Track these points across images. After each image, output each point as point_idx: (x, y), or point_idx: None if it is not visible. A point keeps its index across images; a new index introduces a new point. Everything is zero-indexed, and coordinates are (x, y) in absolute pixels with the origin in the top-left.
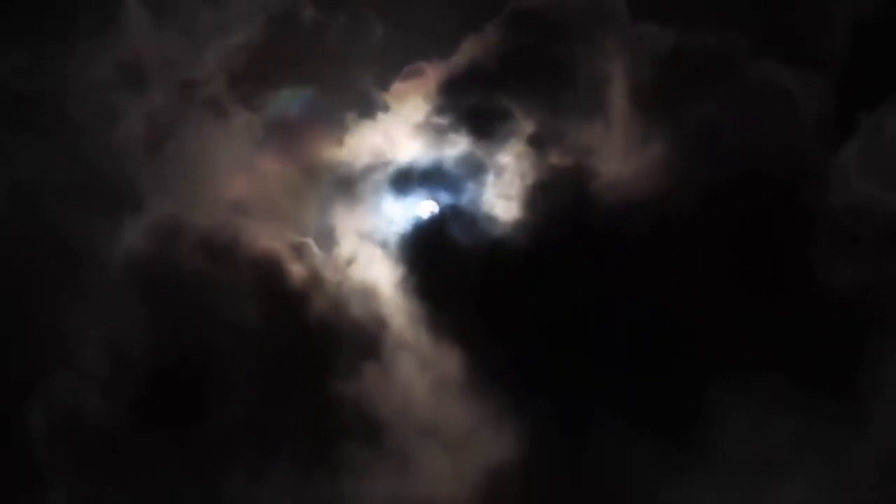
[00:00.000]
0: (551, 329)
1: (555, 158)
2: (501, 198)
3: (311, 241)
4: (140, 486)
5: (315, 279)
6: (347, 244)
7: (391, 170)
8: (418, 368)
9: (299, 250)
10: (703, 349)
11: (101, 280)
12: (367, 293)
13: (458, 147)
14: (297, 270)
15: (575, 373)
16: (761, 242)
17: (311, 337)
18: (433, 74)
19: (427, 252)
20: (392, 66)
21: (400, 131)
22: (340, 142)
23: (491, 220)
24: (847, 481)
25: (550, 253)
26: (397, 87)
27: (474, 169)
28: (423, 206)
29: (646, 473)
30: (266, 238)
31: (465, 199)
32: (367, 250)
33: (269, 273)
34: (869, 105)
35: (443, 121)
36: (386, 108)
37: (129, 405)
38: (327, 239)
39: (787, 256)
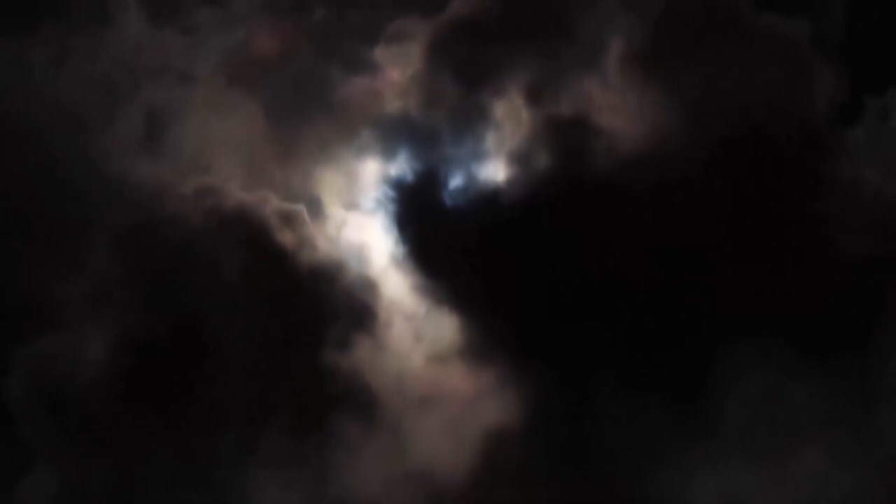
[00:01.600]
0: (552, 292)
1: (553, 112)
2: (498, 155)
3: (302, 208)
4: (127, 459)
5: (306, 247)
6: (338, 210)
7: (383, 130)
8: (413, 337)
9: (290, 218)
10: (712, 314)
11: (89, 247)
12: (360, 259)
13: (451, 103)
14: (288, 239)
15: (577, 338)
16: (773, 203)
17: (302, 306)
18: (424, 29)
19: (420, 214)
20: (383, 21)
21: (391, 89)
22: (330, 104)
23: (487, 178)
24: (864, 453)
25: (550, 212)
26: (388, 44)
27: (469, 125)
28: (416, 167)
29: (651, 444)
30: (256, 205)
31: (459, 158)
32: (358, 215)
33: (259, 242)
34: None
35: (435, 76)
36: (376, 67)
37: (117, 376)
38: (318, 205)
39: (798, 218)
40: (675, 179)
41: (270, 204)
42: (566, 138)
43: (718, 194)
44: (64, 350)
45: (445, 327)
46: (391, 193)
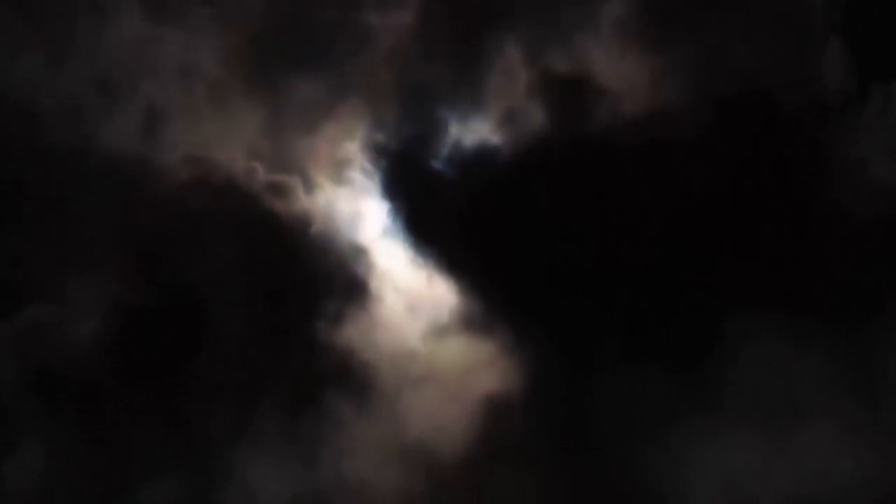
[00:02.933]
0: (551, 260)
1: (551, 71)
2: (494, 117)
3: (292, 179)
4: (116, 436)
5: (298, 218)
6: (330, 180)
7: (374, 96)
8: (409, 309)
9: (280, 189)
10: (716, 283)
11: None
12: (353, 231)
13: (446, 66)
14: (279, 210)
15: (577, 307)
16: (778, 168)
17: (295, 279)
18: None
19: (413, 182)
20: None
21: (382, 55)
22: (319, 71)
23: (482, 142)
24: (873, 424)
25: (549, 176)
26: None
27: (464, 88)
28: (408, 133)
29: (653, 415)
30: (244, 176)
31: (453, 122)
32: (350, 185)
33: (249, 214)
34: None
35: (429, 38)
36: (367, 33)
37: (105, 351)
38: (309, 176)
39: (804, 184)
40: (677, 142)
41: (259, 175)
42: (565, 99)
43: (722, 159)
44: (51, 323)
45: (442, 298)
46: (383, 162)
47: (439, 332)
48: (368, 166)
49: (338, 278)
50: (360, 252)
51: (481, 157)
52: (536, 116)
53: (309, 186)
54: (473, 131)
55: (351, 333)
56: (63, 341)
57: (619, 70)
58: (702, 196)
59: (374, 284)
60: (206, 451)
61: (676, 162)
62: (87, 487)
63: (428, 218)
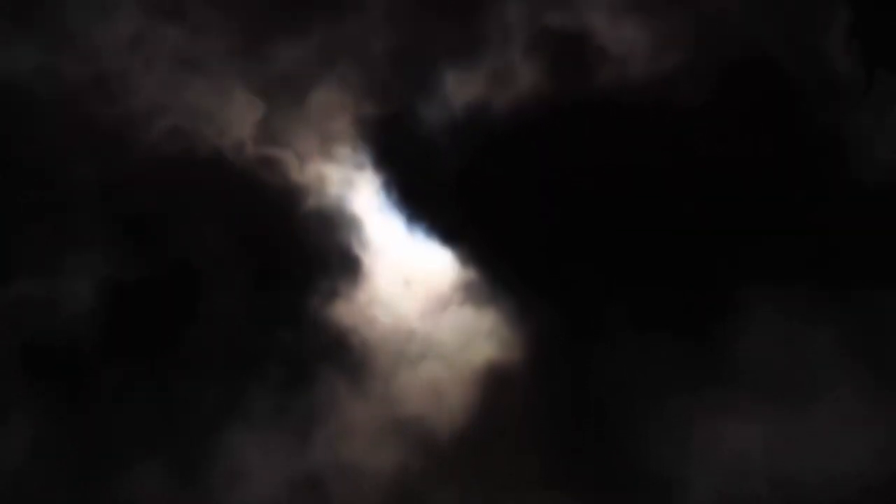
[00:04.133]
0: (554, 224)
1: (551, 28)
2: (489, 77)
3: (281, 153)
4: (105, 412)
5: (288, 192)
6: (320, 153)
7: (363, 63)
8: (405, 281)
9: (269, 163)
10: (725, 249)
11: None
12: (345, 204)
13: (437, 25)
14: (268, 184)
15: (581, 274)
16: (788, 131)
17: (287, 253)
18: None
19: (405, 150)
20: None
21: (372, 15)
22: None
23: (477, 102)
24: (893, 395)
25: (549, 137)
26: None
27: (459, 47)
28: (398, 99)
29: (662, 386)
30: (233, 148)
31: (447, 84)
32: (342, 156)
33: (238, 188)
34: None
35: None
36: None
37: (94, 324)
38: (299, 149)
39: (815, 148)
40: (681, 106)
41: (249, 149)
42: (565, 60)
43: (731, 122)
44: (38, 297)
45: (440, 270)
46: (374, 132)
47: (438, 304)
48: (360, 137)
49: (331, 253)
50: (354, 226)
51: (478, 123)
52: (535, 78)
53: (300, 160)
54: (469, 95)
55: (345, 308)
56: (50, 316)
57: (621, 31)
58: (710, 162)
59: (369, 258)
60: (194, 429)
61: (683, 126)
62: (73, 464)
63: (423, 188)
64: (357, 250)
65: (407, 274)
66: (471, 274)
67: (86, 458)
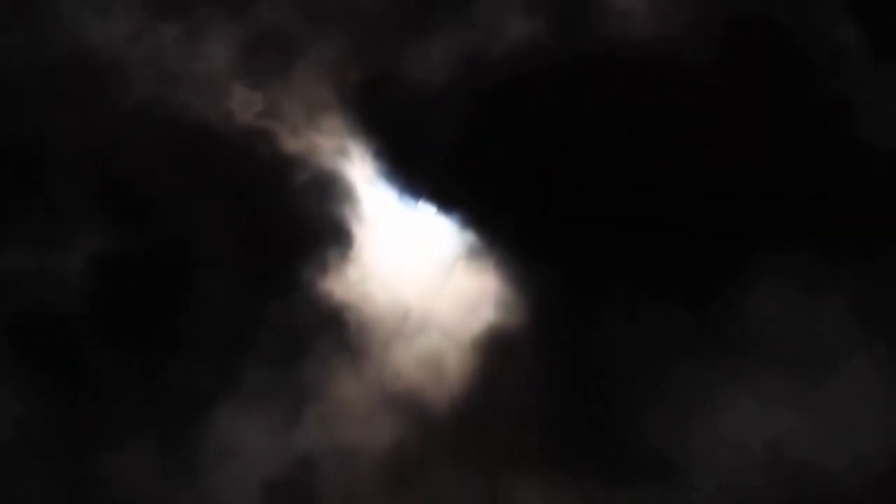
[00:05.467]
0: (555, 185)
1: None
2: (486, 30)
3: (270, 124)
4: (93, 388)
5: (279, 164)
6: (311, 122)
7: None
8: (402, 250)
9: (259, 134)
10: (734, 216)
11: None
12: (339, 173)
13: None
14: (258, 156)
15: (585, 240)
16: (795, 94)
17: (279, 226)
18: None
19: (396, 111)
20: None
21: None
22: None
23: (473, 56)
24: None
25: (549, 94)
26: None
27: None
28: (390, 61)
29: (668, 357)
30: (222, 119)
31: (438, 42)
32: (332, 124)
33: (227, 160)
34: None
35: None
36: None
37: (83, 299)
38: (289, 120)
39: (823, 112)
40: (689, 64)
41: (238, 119)
42: (565, 13)
43: (736, 83)
44: (28, 270)
45: (437, 236)
46: (365, 97)
47: (436, 272)
48: (350, 104)
49: (324, 225)
50: (347, 196)
51: (473, 82)
52: (534, 32)
53: (290, 130)
54: (463, 53)
55: (339, 282)
56: (38, 291)
57: None
58: (716, 125)
59: (364, 229)
60: (185, 406)
61: (687, 87)
62: (61, 442)
63: (417, 153)
64: (351, 221)
65: (403, 243)
66: (470, 239)
67: (74, 436)
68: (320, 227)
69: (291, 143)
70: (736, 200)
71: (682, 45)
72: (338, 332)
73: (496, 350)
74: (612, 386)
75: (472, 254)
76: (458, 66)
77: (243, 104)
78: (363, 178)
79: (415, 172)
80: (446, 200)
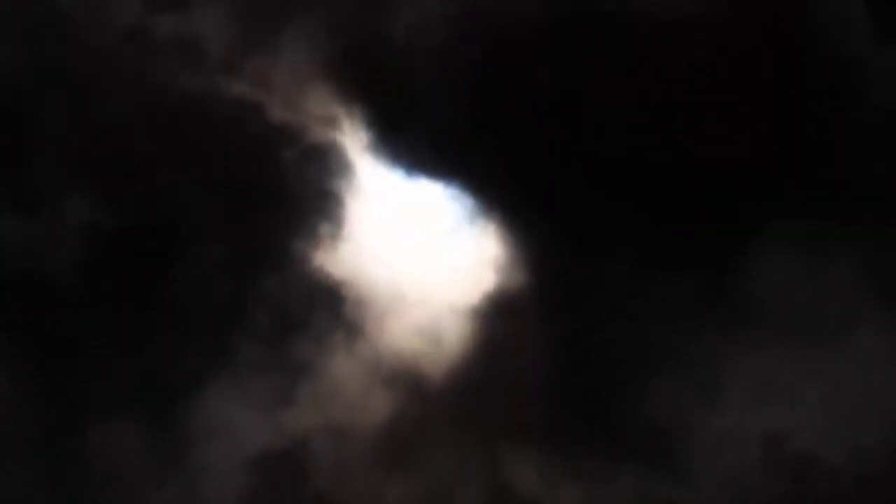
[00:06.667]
0: (559, 145)
1: None
2: None
3: (258, 94)
4: (82, 360)
5: (270, 135)
6: (298, 91)
7: None
8: (397, 217)
9: (247, 105)
10: (745, 180)
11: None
12: (331, 142)
13: None
14: (248, 128)
15: (590, 204)
16: (805, 51)
17: (270, 199)
18: None
19: (389, 75)
20: None
21: None
22: None
23: (468, 7)
24: None
25: (552, 47)
26: None
27: None
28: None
29: (678, 326)
30: (212, 91)
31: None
32: (320, 93)
33: (218, 133)
34: None
35: None
36: None
37: (72, 272)
38: (279, 89)
39: (837, 73)
40: (699, 21)
41: (227, 91)
42: None
43: (748, 42)
44: (11, 240)
45: (433, 203)
46: (353, 64)
47: (434, 239)
48: (340, 71)
49: (317, 196)
50: (340, 165)
51: (467, 40)
52: None
53: (280, 99)
54: (456, 10)
55: (333, 255)
56: (23, 261)
57: None
58: (727, 86)
59: (358, 198)
60: (173, 382)
61: (695, 44)
62: (46, 417)
63: (410, 116)
64: (344, 192)
65: (399, 212)
66: (469, 205)
67: (59, 411)
68: (313, 198)
69: (281, 114)
70: (746, 164)
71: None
72: (332, 307)
73: (496, 319)
74: (615, 357)
75: (472, 220)
76: (450, 26)
77: (232, 75)
78: (356, 147)
79: (409, 139)
80: (443, 166)
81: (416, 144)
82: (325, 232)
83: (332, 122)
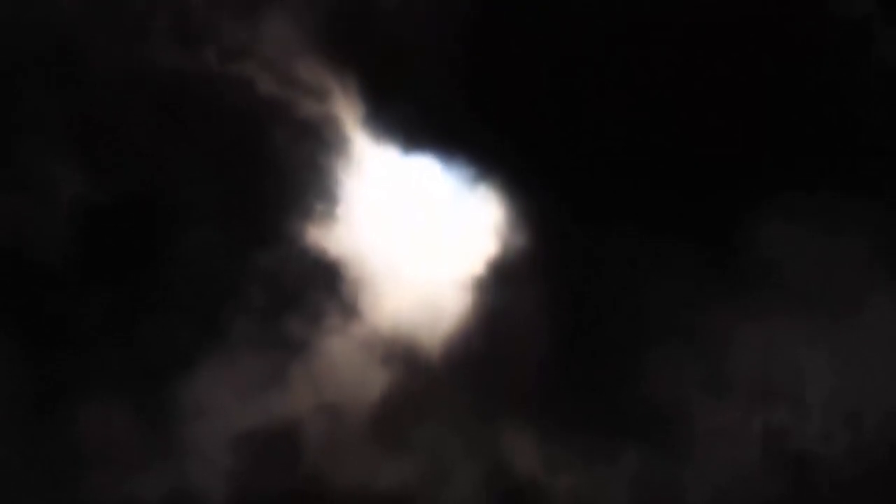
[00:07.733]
0: (558, 111)
1: None
2: None
3: (248, 68)
4: (72, 340)
5: (262, 110)
6: (291, 64)
7: None
8: (394, 190)
9: (237, 80)
10: (750, 149)
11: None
12: (325, 115)
13: None
14: (240, 102)
15: (594, 171)
16: (810, 13)
17: (263, 176)
18: None
19: (378, 43)
20: None
21: None
22: None
23: None
24: None
25: (548, 10)
26: None
27: None
28: None
29: (684, 297)
30: (202, 65)
31: None
32: (312, 66)
33: (208, 107)
34: None
35: None
36: None
37: (61, 249)
38: (271, 65)
39: (844, 50)
40: None
41: (217, 65)
42: None
43: (753, 11)
44: (1, 217)
45: (430, 170)
46: (341, 36)
47: (431, 209)
48: (330, 42)
49: (311, 172)
50: (334, 139)
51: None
52: None
53: (270, 73)
54: None
55: (328, 231)
56: (12, 238)
57: None
58: (731, 54)
59: (353, 173)
60: (164, 362)
61: (707, 8)
62: (33, 398)
63: (404, 86)
64: (338, 166)
65: (396, 184)
66: (467, 174)
67: (49, 389)
68: (306, 173)
69: (272, 88)
70: (754, 131)
71: None
72: (327, 284)
73: (496, 288)
74: (617, 329)
75: (472, 187)
76: None
77: (220, 49)
78: (349, 119)
79: (404, 108)
80: (441, 135)
81: (412, 113)
82: (321, 208)
83: (323, 94)
